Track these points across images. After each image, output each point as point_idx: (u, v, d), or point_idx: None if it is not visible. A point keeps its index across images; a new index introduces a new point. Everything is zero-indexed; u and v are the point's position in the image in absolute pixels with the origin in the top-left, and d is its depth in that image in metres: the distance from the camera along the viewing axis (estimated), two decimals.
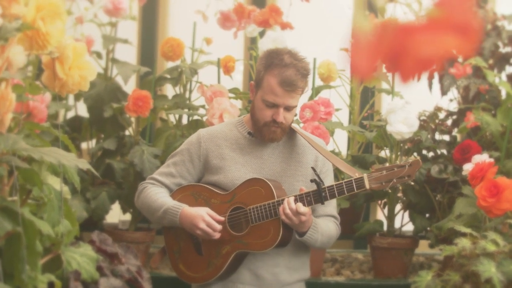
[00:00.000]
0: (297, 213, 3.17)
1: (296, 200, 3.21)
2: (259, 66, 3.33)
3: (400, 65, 0.85)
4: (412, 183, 4.37)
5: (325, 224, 3.36)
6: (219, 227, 3.28)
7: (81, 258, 2.09)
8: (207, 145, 3.41)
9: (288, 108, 3.28)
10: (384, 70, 4.37)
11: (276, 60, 3.25)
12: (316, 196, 3.23)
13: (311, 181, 3.26)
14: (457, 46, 0.82)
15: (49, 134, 3.50)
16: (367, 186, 3.23)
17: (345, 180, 3.24)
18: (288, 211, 3.17)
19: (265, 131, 3.32)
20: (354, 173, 3.29)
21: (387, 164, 3.37)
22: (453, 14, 0.82)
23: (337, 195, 3.24)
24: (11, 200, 1.95)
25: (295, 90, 3.24)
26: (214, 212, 3.31)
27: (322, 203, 3.25)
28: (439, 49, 0.80)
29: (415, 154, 4.49)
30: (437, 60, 0.83)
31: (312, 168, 3.35)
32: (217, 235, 3.28)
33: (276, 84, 3.22)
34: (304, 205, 3.21)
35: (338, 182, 3.24)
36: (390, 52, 0.87)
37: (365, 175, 3.24)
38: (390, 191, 4.31)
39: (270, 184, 3.26)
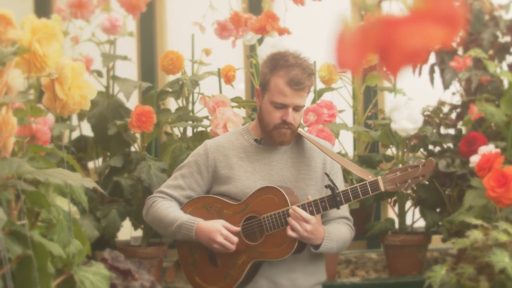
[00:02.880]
0: (303, 220, 3.18)
1: (305, 208, 3.22)
2: (264, 69, 3.32)
3: (387, 59, 0.86)
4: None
5: (338, 229, 3.35)
6: (236, 239, 3.27)
7: (94, 277, 2.09)
8: (214, 155, 3.40)
9: (297, 108, 3.27)
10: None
11: (281, 62, 3.25)
12: (331, 201, 3.22)
13: (326, 187, 3.25)
14: (442, 37, 0.82)
15: (55, 155, 3.51)
16: (382, 188, 3.21)
17: (360, 183, 3.22)
18: (294, 223, 3.19)
19: (275, 134, 3.31)
20: (367, 175, 3.29)
21: (400, 165, 3.34)
22: (437, 4, 0.82)
23: (352, 199, 3.23)
24: (20, 224, 1.95)
25: (303, 88, 3.24)
26: (229, 224, 3.30)
27: (338, 208, 3.24)
28: (425, 40, 0.80)
29: (421, 149, 4.49)
30: (424, 52, 0.83)
31: (326, 174, 3.34)
32: (234, 248, 3.27)
33: (284, 84, 3.22)
34: (319, 211, 3.22)
35: (352, 186, 3.23)
36: (376, 46, 0.87)
37: (379, 178, 3.22)
38: (405, 192, 4.30)
39: (283, 192, 3.24)
